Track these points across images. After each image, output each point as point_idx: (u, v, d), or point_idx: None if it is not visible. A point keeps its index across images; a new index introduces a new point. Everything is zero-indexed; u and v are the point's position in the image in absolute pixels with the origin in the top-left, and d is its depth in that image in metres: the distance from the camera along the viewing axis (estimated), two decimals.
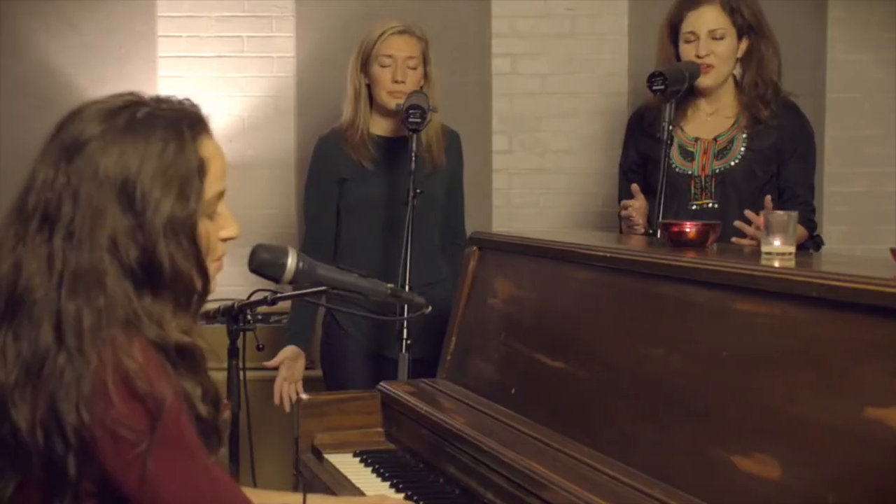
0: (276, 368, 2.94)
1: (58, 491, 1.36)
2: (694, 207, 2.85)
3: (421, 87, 3.01)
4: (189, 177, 1.39)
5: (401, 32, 3.01)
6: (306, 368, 3.02)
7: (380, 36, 3.00)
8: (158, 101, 1.45)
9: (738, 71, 2.92)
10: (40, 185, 1.38)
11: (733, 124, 2.89)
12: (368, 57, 3.01)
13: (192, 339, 1.40)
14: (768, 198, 2.60)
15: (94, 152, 1.37)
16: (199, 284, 1.43)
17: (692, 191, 2.86)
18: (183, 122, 1.42)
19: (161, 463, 1.33)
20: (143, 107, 1.42)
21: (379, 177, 3.04)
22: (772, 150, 2.86)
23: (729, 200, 2.83)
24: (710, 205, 2.85)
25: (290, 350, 2.96)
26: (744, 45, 2.87)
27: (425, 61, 3.04)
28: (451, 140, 3.14)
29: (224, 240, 1.49)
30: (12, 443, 1.35)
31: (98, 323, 1.33)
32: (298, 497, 1.78)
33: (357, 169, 3.04)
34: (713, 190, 2.85)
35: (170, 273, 1.38)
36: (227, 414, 1.74)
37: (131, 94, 1.45)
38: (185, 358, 1.40)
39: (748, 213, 2.58)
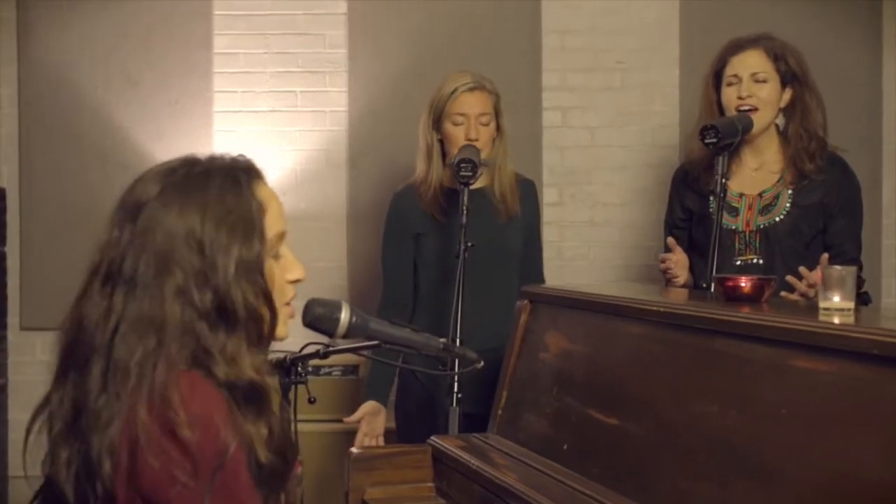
0: (355, 422, 2.92)
1: None
2: (739, 263, 2.81)
3: (493, 141, 3.01)
4: (251, 219, 1.44)
5: (472, 89, 2.99)
6: None
7: (451, 93, 2.98)
8: (212, 157, 1.51)
9: (780, 121, 2.89)
10: (105, 245, 1.43)
11: (779, 180, 2.85)
12: (441, 114, 2.99)
13: (262, 378, 1.43)
14: (825, 256, 2.56)
15: (155, 209, 1.42)
16: (268, 322, 1.46)
17: (737, 246, 2.82)
18: (237, 169, 1.48)
19: None
20: (198, 163, 1.48)
21: (452, 230, 3.00)
22: (818, 207, 2.81)
23: (774, 256, 2.79)
24: (755, 260, 2.81)
25: (369, 405, 2.95)
26: (787, 94, 2.84)
27: (497, 114, 3.03)
28: (526, 189, 3.13)
29: (291, 282, 1.53)
30: (56, 492, 1.38)
31: (146, 363, 1.35)
32: None
33: (431, 223, 3.04)
34: (758, 245, 2.81)
35: (243, 312, 1.41)
36: (299, 470, 1.74)
37: (188, 155, 1.50)
38: (253, 399, 1.41)
39: (803, 269, 2.54)
